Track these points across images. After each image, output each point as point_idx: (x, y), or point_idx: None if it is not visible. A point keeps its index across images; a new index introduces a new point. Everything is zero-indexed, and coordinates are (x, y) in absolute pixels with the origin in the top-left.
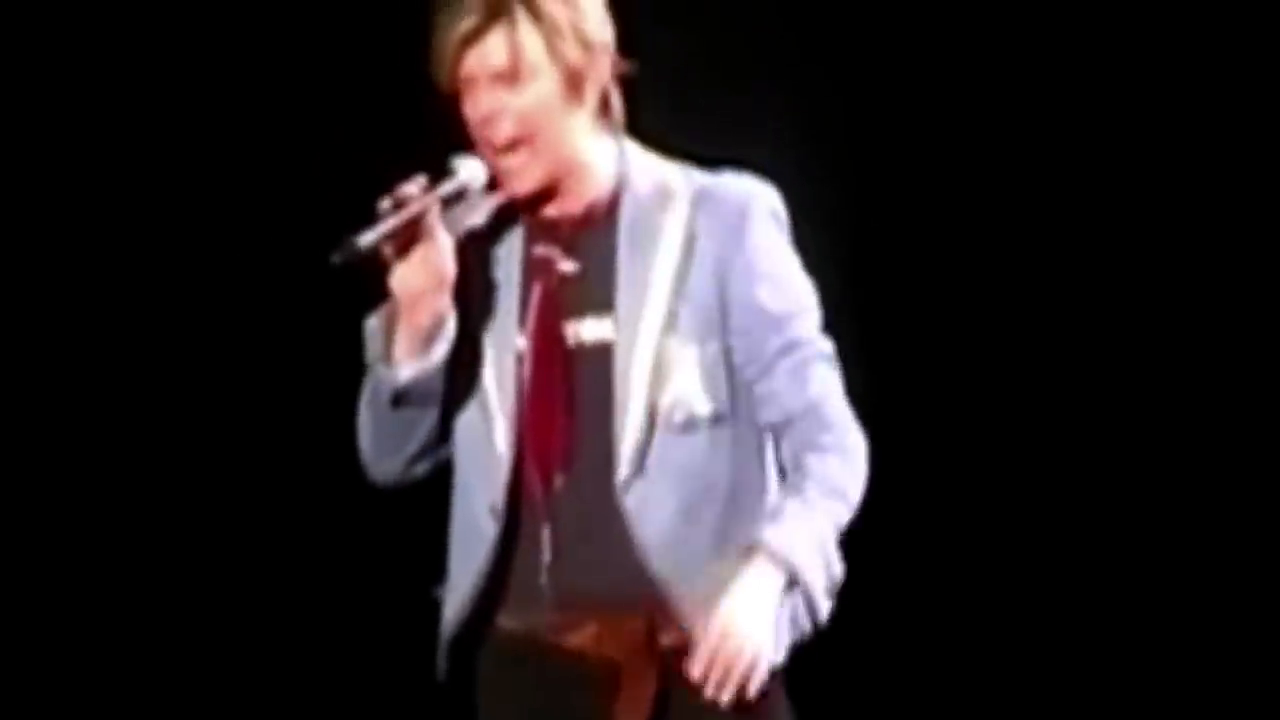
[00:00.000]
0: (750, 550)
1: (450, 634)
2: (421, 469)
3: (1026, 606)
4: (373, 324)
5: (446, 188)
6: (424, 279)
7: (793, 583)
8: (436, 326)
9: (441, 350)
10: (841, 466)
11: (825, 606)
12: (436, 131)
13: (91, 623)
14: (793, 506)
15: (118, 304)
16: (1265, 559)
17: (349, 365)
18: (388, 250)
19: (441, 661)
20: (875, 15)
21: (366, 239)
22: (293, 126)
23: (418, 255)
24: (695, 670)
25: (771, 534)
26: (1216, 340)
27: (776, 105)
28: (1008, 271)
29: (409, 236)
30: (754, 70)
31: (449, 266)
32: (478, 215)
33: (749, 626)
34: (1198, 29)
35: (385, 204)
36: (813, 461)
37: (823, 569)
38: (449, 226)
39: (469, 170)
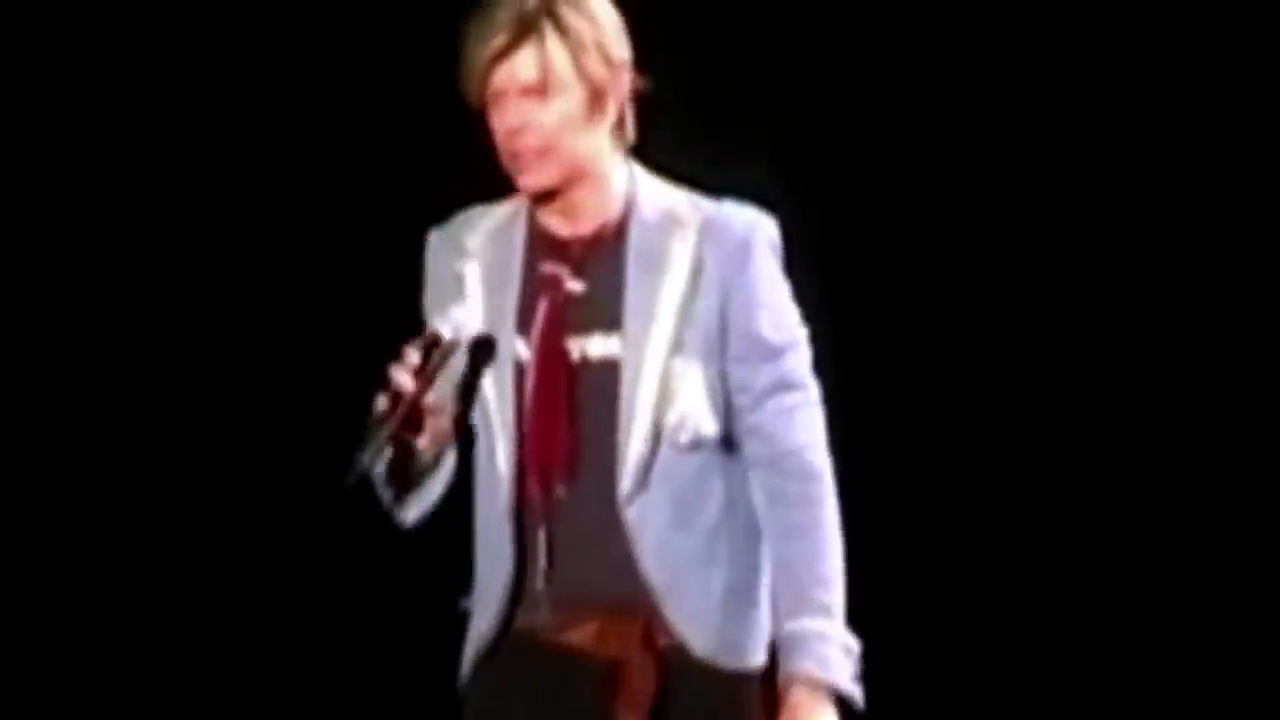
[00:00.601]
0: (792, 683)
1: (483, 645)
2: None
3: (1007, 647)
4: (381, 473)
5: (436, 362)
6: (426, 442)
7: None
8: (435, 467)
9: (440, 488)
10: (831, 539)
11: (859, 693)
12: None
13: (98, 637)
14: (818, 625)
15: (134, 312)
16: (1257, 559)
17: (366, 373)
18: (406, 437)
19: (467, 672)
20: (861, 43)
21: (368, 456)
22: (305, 131)
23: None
24: None
25: (816, 669)
26: (1206, 382)
27: (758, 134)
28: (987, 301)
29: (416, 418)
30: (737, 97)
31: (448, 427)
32: (462, 360)
33: None
34: (1178, 53)
35: (382, 404)
36: (808, 557)
37: (851, 664)
38: (442, 385)
39: (451, 327)
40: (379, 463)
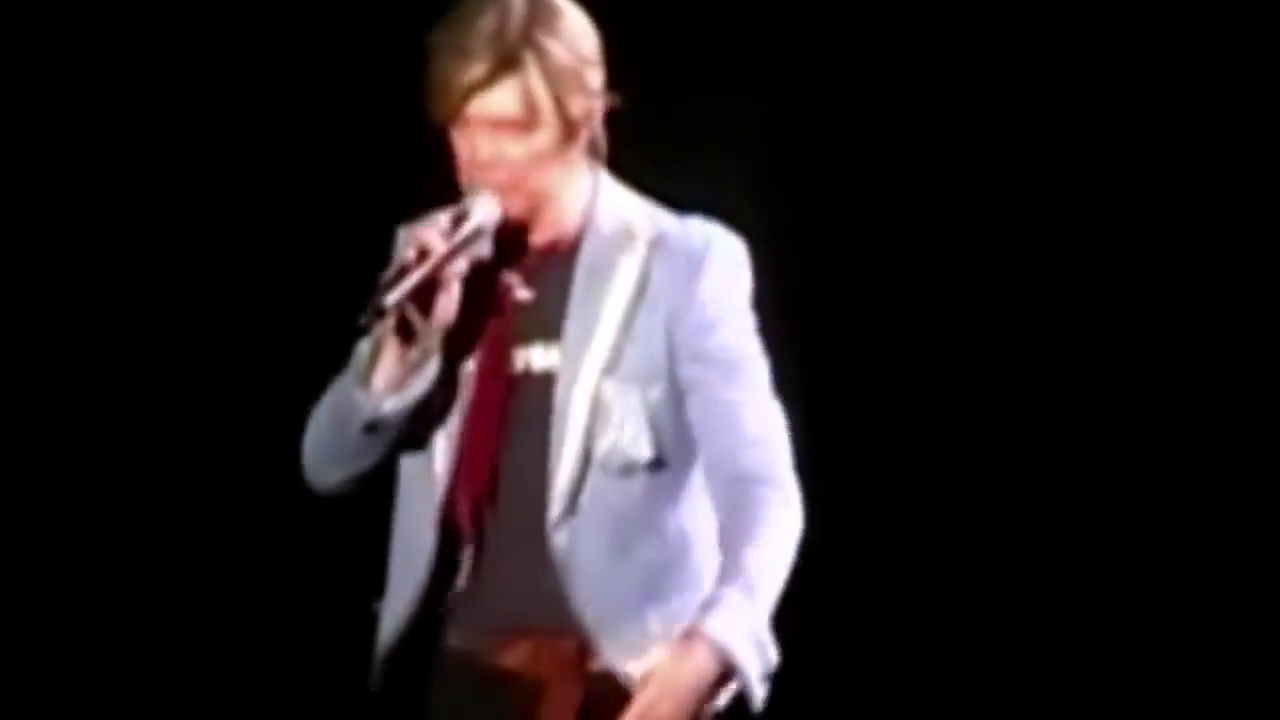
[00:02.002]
0: (690, 637)
1: (386, 648)
2: (355, 487)
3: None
4: (364, 349)
5: (466, 231)
6: (425, 326)
7: (727, 674)
8: (421, 362)
9: (420, 388)
10: (783, 535)
11: (760, 693)
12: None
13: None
14: (734, 595)
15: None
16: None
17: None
18: (412, 312)
19: (376, 674)
20: (834, 55)
21: (394, 297)
22: (290, 133)
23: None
24: None
25: (713, 624)
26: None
27: (729, 149)
28: (960, 321)
29: (430, 288)
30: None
31: (453, 311)
32: (482, 248)
33: (670, 715)
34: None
35: (409, 255)
36: (758, 537)
37: (759, 659)
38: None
39: (484, 209)
40: (396, 301)
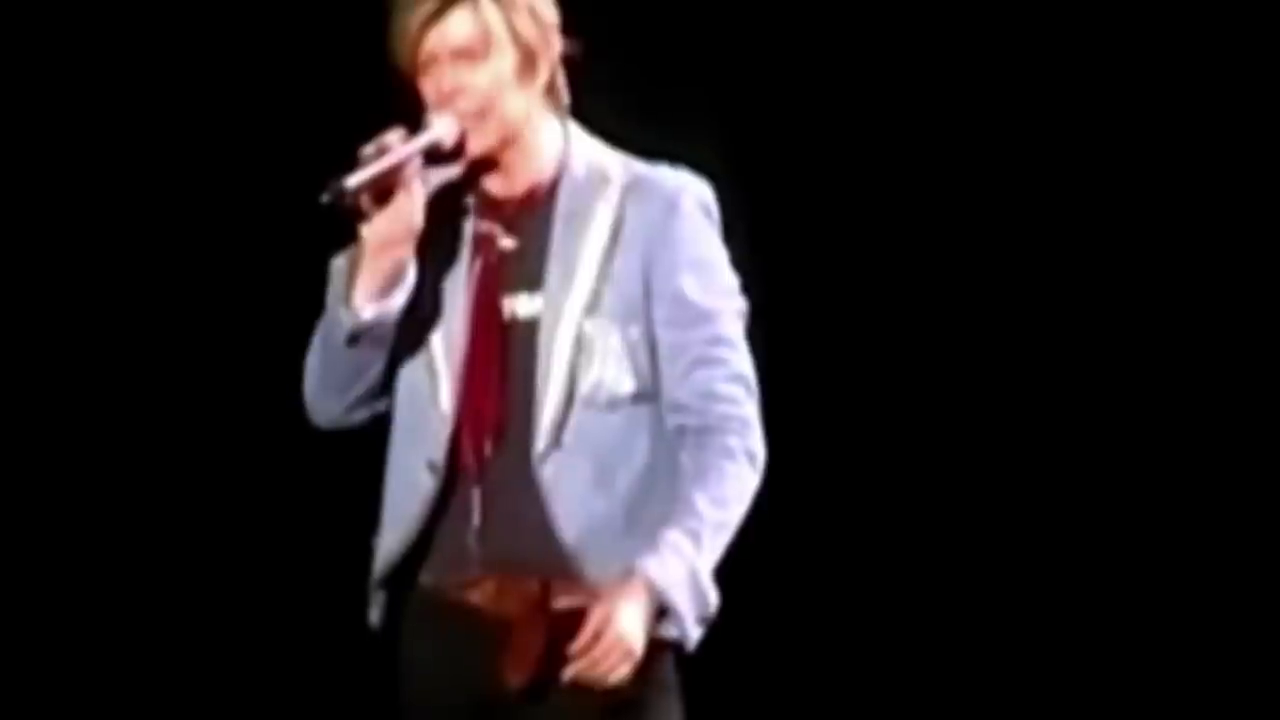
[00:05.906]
0: (631, 577)
1: (379, 582)
2: (360, 416)
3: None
4: (338, 264)
5: (424, 139)
6: (395, 227)
7: (664, 612)
8: (398, 273)
9: (400, 299)
10: (737, 485)
11: (695, 634)
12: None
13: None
14: (680, 541)
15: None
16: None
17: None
18: (366, 200)
19: (373, 610)
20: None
21: (352, 181)
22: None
23: (392, 204)
24: (569, 669)
25: (654, 568)
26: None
27: (696, 103)
28: (929, 271)
29: (388, 185)
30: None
31: (419, 218)
32: (449, 171)
33: (624, 630)
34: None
35: (369, 149)
36: (714, 487)
37: (694, 603)
38: (422, 179)
39: (443, 126)
40: (360, 183)
